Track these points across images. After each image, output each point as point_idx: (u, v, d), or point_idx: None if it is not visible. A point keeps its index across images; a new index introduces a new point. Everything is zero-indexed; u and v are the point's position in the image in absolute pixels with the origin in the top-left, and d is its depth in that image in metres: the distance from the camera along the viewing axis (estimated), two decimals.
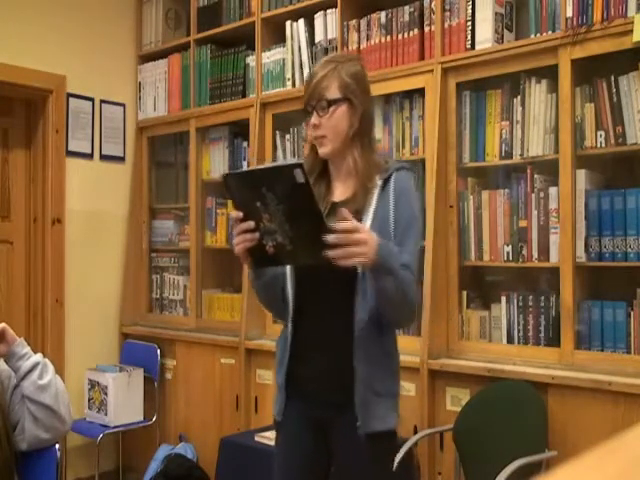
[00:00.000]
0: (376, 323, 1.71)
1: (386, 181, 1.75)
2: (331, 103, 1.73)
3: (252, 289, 1.89)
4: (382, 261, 1.55)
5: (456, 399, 2.72)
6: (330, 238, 1.46)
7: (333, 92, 1.73)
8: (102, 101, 4.08)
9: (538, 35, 2.66)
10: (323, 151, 1.77)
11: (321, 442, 1.79)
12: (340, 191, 1.81)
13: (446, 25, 2.90)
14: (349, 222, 1.49)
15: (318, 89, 1.74)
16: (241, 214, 1.56)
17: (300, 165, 1.43)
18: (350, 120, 1.75)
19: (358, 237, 1.49)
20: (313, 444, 1.81)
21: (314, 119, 1.74)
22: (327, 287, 1.75)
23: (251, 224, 1.55)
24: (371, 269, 1.58)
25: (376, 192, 1.74)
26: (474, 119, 2.88)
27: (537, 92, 2.70)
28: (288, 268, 1.79)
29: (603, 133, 2.53)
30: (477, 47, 2.80)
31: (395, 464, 1.98)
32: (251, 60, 3.65)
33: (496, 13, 2.78)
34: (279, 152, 3.54)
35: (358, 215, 1.69)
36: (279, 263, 1.68)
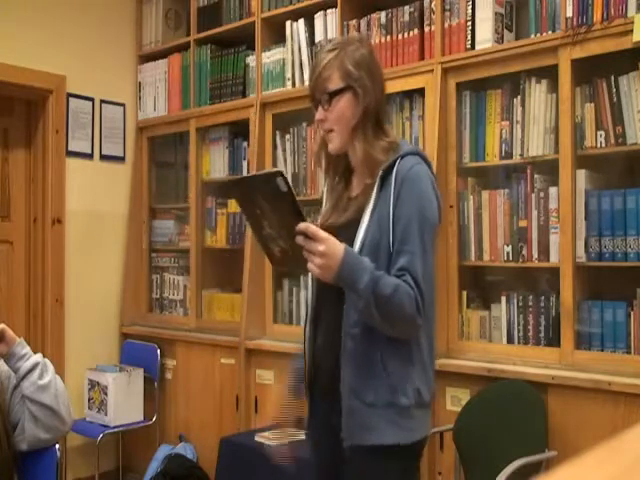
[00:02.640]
0: (373, 332, 1.57)
1: (388, 171, 1.61)
2: (333, 94, 1.63)
3: None
4: (342, 280, 1.46)
5: (456, 399, 2.72)
6: (298, 239, 1.41)
7: (335, 82, 1.63)
8: (102, 101, 4.08)
9: (538, 35, 2.66)
10: (332, 146, 1.67)
11: (338, 451, 1.66)
12: (355, 185, 1.72)
13: (446, 25, 2.90)
14: (305, 225, 1.40)
15: (320, 81, 1.64)
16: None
17: (280, 173, 1.36)
18: (355, 110, 1.63)
19: (313, 246, 1.40)
20: (331, 453, 1.70)
21: (319, 114, 1.65)
22: (335, 294, 1.61)
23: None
24: (335, 283, 1.49)
25: (376, 185, 1.60)
26: (474, 119, 2.88)
27: (537, 92, 2.70)
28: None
29: (603, 133, 2.53)
30: (477, 47, 2.80)
31: None
32: (251, 60, 3.65)
33: (496, 13, 2.78)
34: (279, 152, 3.54)
35: (359, 214, 1.62)
36: (288, 267, 1.64)
